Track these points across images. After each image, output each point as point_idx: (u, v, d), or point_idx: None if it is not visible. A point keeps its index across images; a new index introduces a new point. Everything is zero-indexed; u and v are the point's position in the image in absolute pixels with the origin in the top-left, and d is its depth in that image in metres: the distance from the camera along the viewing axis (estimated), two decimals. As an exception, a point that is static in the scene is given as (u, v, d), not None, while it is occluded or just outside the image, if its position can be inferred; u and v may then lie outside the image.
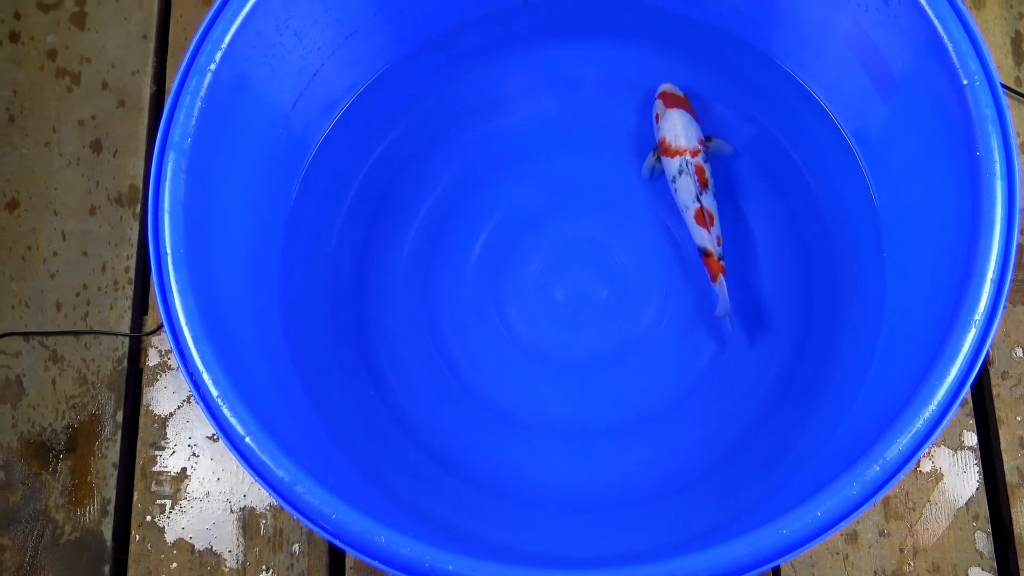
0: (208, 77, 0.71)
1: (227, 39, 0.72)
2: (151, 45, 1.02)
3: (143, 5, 1.03)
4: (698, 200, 0.87)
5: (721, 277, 0.86)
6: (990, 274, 0.65)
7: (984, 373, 0.91)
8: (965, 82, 0.68)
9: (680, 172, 0.88)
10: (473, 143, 0.95)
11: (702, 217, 0.87)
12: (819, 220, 0.90)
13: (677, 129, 0.88)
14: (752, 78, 0.93)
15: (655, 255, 0.91)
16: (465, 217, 0.93)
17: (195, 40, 0.72)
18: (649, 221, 0.92)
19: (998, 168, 0.67)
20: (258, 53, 0.76)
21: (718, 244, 0.87)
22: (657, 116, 0.90)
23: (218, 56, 0.71)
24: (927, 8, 0.70)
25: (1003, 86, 0.69)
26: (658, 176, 0.92)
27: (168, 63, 1.02)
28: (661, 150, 0.90)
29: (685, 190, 0.87)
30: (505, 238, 0.92)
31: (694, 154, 0.88)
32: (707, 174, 0.88)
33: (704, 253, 0.87)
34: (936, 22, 0.69)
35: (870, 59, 0.79)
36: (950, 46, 0.69)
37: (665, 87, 0.92)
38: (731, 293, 0.87)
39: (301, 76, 0.83)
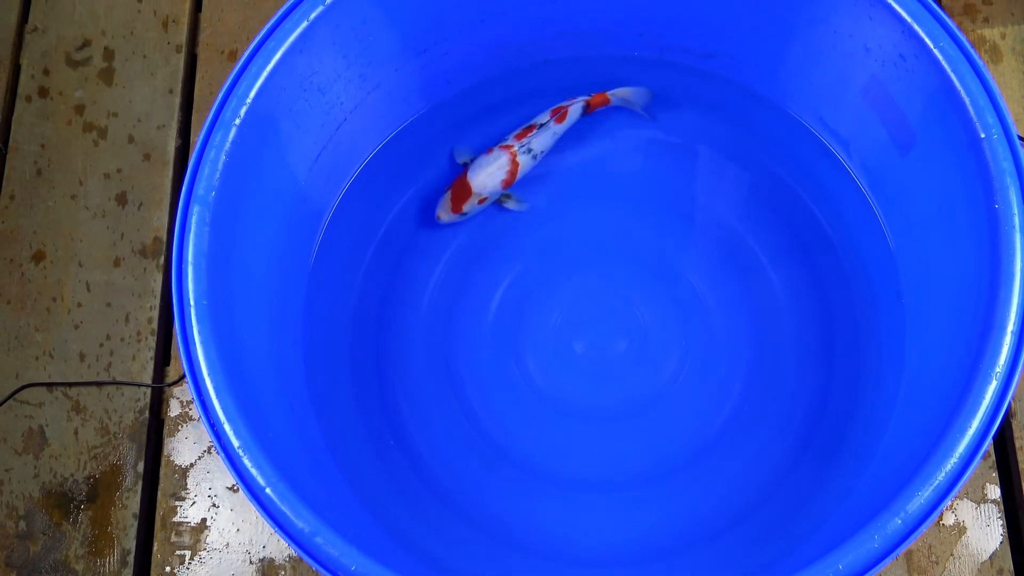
0: (233, 131, 0.72)
1: (252, 94, 0.73)
2: (177, 100, 1.04)
3: (169, 61, 1.05)
4: (551, 123, 0.91)
5: (607, 93, 0.93)
6: (1010, 325, 0.65)
7: (1006, 426, 0.90)
8: (983, 135, 0.69)
9: (530, 151, 0.92)
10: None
11: (559, 113, 0.92)
12: (839, 271, 0.90)
13: (488, 168, 0.91)
14: (771, 132, 0.93)
15: (674, 308, 0.92)
16: (484, 270, 0.94)
17: (221, 95, 0.73)
18: (668, 273, 0.93)
19: (1017, 220, 0.67)
20: (282, 108, 0.77)
21: (585, 95, 0.93)
22: (481, 199, 0.92)
23: (243, 111, 0.72)
24: (944, 62, 0.70)
25: (1020, 138, 0.69)
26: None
27: (193, 118, 1.04)
28: (511, 179, 0.92)
29: (543, 138, 0.92)
30: (524, 290, 0.93)
31: (514, 143, 0.92)
32: (520, 130, 0.92)
33: (587, 107, 0.93)
34: (953, 76, 0.70)
35: (888, 113, 0.80)
36: (967, 100, 0.69)
37: (440, 212, 0.93)
38: (751, 344, 0.87)
39: (324, 130, 0.84)
